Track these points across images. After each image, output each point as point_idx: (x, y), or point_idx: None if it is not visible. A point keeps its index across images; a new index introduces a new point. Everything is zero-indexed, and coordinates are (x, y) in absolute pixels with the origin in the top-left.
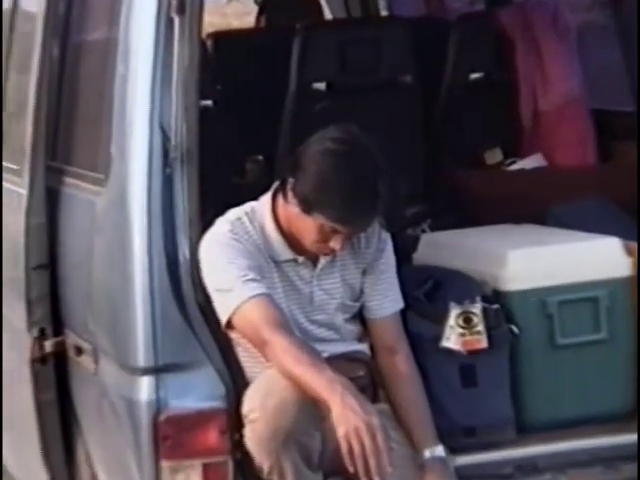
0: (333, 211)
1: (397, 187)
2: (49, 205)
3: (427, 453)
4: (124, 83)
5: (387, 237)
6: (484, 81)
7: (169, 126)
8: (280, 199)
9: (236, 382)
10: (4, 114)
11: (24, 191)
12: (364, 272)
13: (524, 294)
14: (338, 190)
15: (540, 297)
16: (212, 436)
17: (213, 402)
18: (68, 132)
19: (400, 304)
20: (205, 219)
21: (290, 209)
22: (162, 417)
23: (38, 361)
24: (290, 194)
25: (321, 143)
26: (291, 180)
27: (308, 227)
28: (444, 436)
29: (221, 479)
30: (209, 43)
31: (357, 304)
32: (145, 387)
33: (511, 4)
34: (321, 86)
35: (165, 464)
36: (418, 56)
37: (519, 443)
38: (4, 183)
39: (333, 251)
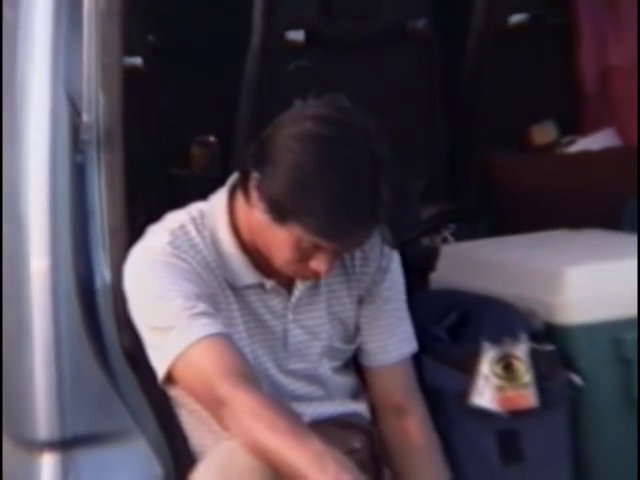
0: (315, 220)
1: (407, 181)
2: None
3: None
4: (13, 33)
5: (392, 252)
6: (530, 26)
7: (79, 95)
8: (240, 200)
9: (179, 459)
10: None
11: None
12: (360, 302)
13: (590, 330)
14: (322, 191)
15: (613, 334)
16: None
17: None
18: None
19: (412, 346)
20: (134, 227)
21: (255, 216)
22: None
23: None
24: (255, 195)
25: (298, 123)
26: (256, 175)
27: (280, 241)
28: None
29: None
30: None
31: (351, 347)
32: (48, 468)
33: None
34: (298, 36)
35: None
36: None
37: None
38: None
39: (316, 274)
